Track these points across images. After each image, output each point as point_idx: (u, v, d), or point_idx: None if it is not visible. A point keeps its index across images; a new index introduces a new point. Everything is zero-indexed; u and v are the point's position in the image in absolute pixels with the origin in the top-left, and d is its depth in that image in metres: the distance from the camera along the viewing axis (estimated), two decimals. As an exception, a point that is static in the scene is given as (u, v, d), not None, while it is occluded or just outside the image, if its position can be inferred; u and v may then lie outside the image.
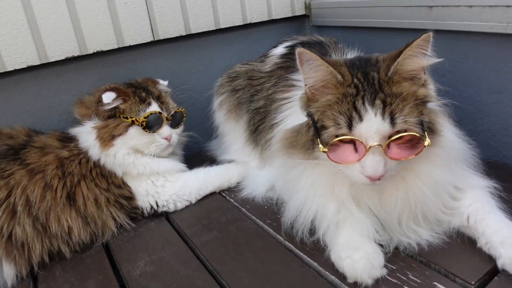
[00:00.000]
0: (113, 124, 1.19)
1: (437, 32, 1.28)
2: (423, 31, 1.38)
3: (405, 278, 0.84)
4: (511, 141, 1.24)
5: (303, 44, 1.30)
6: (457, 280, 0.81)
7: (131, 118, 1.19)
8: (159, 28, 1.44)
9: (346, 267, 0.84)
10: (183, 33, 1.50)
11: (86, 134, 1.18)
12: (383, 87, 0.80)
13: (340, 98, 0.82)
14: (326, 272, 0.89)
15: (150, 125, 1.21)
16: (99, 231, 1.13)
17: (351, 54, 1.21)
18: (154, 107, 1.24)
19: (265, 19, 1.66)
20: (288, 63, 1.27)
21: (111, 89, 1.20)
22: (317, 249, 0.95)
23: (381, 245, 0.90)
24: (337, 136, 0.81)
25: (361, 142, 0.79)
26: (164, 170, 1.26)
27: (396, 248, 0.91)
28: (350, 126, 0.79)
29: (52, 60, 1.30)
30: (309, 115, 0.87)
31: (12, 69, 1.25)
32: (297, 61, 0.84)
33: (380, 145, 0.78)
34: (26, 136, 1.20)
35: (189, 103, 1.54)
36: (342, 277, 0.85)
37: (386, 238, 0.91)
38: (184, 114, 1.32)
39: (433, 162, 0.87)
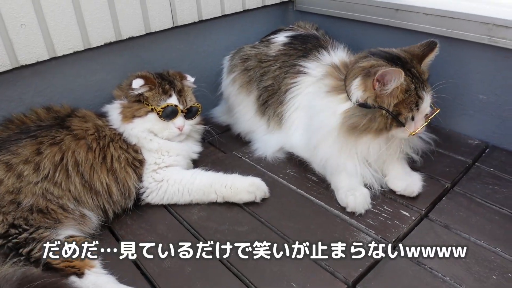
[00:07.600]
0: (136, 107, 1.41)
1: (401, 29, 1.68)
2: (392, 28, 1.75)
3: (381, 209, 1.30)
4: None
5: (302, 37, 1.63)
6: (413, 208, 1.29)
7: (151, 106, 1.41)
8: (178, 16, 1.70)
9: (350, 202, 1.27)
10: (196, 20, 1.76)
11: (113, 110, 1.43)
12: (423, 77, 1.25)
13: (408, 94, 1.21)
14: (331, 208, 1.32)
15: (166, 115, 1.41)
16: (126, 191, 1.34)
17: (338, 47, 1.55)
18: (173, 100, 1.43)
19: (260, 5, 1.96)
20: (290, 51, 1.59)
21: (141, 76, 1.41)
22: (321, 193, 1.38)
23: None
24: (412, 118, 1.24)
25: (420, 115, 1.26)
26: (169, 150, 1.43)
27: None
28: (418, 107, 1.23)
29: (94, 46, 1.53)
30: (380, 107, 1.20)
31: (61, 54, 1.47)
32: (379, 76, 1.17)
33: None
34: (70, 111, 1.44)
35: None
36: (342, 209, 1.30)
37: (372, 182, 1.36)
38: (200, 109, 1.52)
39: None
